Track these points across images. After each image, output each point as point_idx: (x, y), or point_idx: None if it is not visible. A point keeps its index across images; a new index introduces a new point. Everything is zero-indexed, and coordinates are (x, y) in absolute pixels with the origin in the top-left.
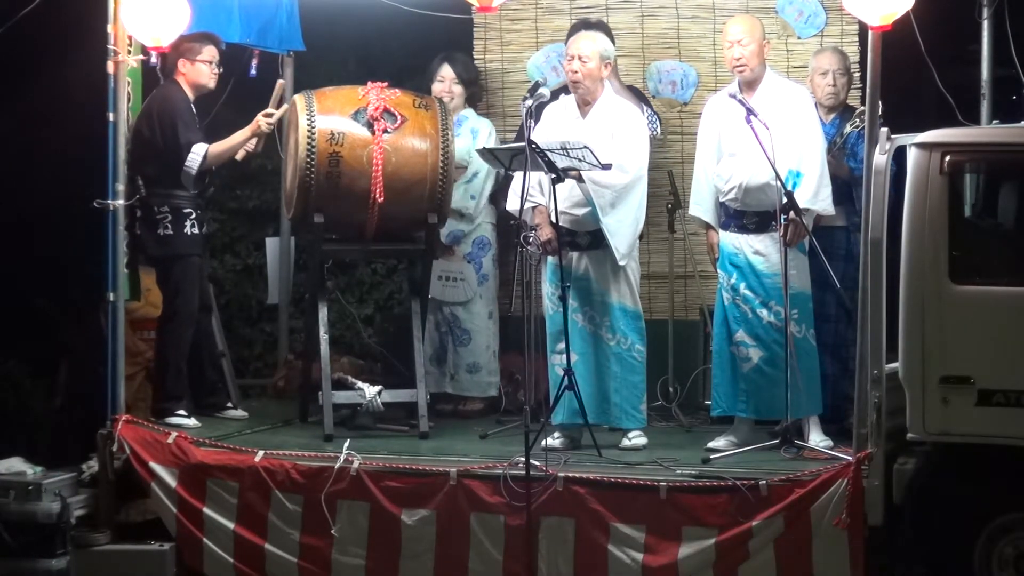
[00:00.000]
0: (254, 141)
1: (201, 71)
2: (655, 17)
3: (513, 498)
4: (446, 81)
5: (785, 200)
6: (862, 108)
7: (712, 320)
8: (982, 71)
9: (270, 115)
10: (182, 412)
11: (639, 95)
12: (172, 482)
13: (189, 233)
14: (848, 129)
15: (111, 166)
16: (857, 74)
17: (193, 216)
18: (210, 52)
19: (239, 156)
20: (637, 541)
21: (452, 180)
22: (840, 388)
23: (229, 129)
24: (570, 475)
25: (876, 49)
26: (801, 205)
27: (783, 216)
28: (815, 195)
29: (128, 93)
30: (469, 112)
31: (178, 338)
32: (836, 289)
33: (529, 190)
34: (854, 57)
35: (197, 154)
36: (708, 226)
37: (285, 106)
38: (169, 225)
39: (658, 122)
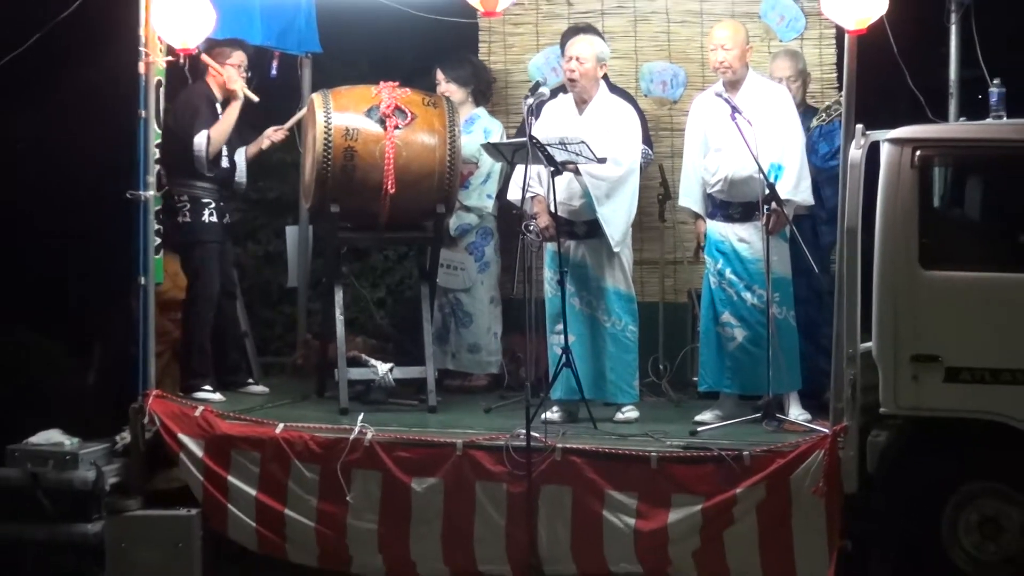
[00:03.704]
0: (282, 133)
1: (230, 74)
2: (647, 21)
3: (515, 467)
4: (441, 84)
5: (768, 191)
6: (827, 104)
7: (700, 302)
8: (950, 72)
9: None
10: (208, 387)
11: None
12: (199, 452)
13: (207, 221)
14: (814, 123)
15: (142, 159)
16: (833, 75)
17: (212, 205)
18: (239, 57)
19: (264, 145)
20: (630, 507)
21: (459, 173)
22: (816, 365)
23: (252, 126)
24: (568, 446)
25: (852, 51)
26: (782, 196)
27: (766, 206)
28: (795, 187)
29: (160, 91)
30: (481, 112)
31: (199, 319)
32: (812, 273)
33: (529, 181)
34: (831, 59)
35: (201, 138)
36: (696, 216)
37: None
38: (188, 213)
39: None
